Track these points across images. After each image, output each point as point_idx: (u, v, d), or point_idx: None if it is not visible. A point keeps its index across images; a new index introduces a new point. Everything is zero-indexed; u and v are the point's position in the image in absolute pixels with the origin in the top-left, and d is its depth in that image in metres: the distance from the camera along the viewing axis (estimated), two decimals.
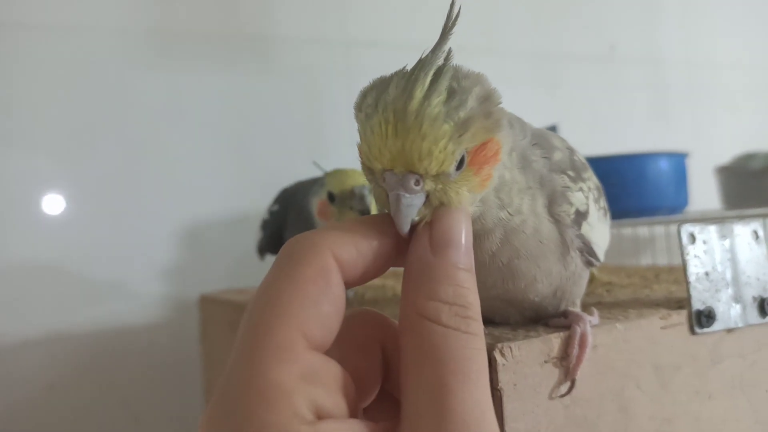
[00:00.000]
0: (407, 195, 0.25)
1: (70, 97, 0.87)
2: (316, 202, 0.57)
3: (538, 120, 1.26)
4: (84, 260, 0.87)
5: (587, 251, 0.36)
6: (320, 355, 0.22)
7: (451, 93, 0.25)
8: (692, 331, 0.40)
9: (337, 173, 0.56)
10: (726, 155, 1.16)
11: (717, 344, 0.41)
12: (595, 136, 1.13)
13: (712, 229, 0.41)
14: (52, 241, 0.86)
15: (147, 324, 0.90)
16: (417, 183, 0.25)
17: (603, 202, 0.39)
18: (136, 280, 0.90)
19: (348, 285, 0.24)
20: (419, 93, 0.25)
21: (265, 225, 0.64)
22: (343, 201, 0.55)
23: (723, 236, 0.42)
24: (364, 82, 1.00)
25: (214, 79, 0.95)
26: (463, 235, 0.24)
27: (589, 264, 0.37)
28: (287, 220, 0.62)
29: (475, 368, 0.22)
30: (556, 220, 0.34)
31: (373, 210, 0.54)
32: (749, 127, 1.33)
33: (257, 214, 0.97)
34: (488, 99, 0.27)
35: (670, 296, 0.46)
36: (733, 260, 0.42)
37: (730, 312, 0.41)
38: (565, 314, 0.37)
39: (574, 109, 1.20)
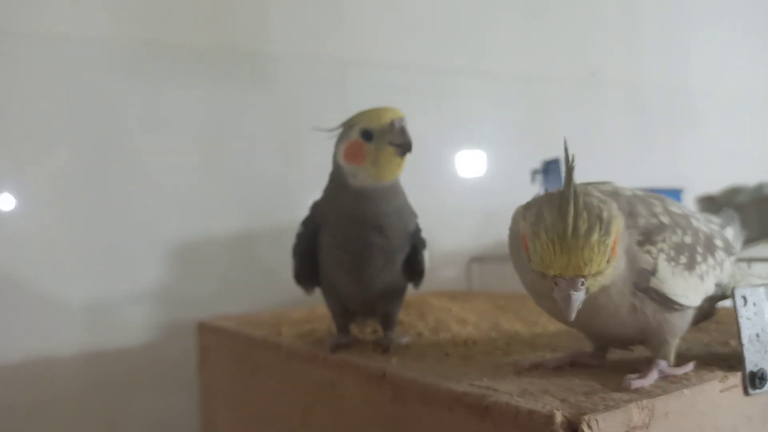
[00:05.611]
0: (575, 293, 0.36)
1: (58, 105, 0.84)
2: (342, 148, 0.54)
3: (522, 140, 1.28)
4: (67, 280, 0.84)
5: (663, 300, 0.40)
6: None
7: (588, 211, 0.35)
8: (746, 393, 0.41)
9: (369, 110, 0.53)
10: (702, 180, 1.20)
11: (767, 404, 0.42)
12: (576, 158, 1.15)
13: (761, 291, 0.43)
14: (31, 259, 0.82)
15: (135, 347, 0.87)
16: (582, 284, 0.36)
17: (687, 256, 0.42)
18: (124, 301, 0.87)
19: None
20: (570, 220, 0.35)
21: (295, 250, 0.59)
22: (382, 136, 0.52)
23: None
24: (357, 99, 1.01)
25: (208, 94, 0.92)
26: None
27: (670, 310, 0.41)
28: (320, 235, 0.56)
29: None
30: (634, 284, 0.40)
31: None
32: (724, 151, 1.38)
33: (248, 233, 0.96)
34: (606, 203, 0.37)
35: (709, 351, 0.47)
36: None
37: None
38: (648, 361, 0.42)
39: (557, 130, 1.23)
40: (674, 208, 0.44)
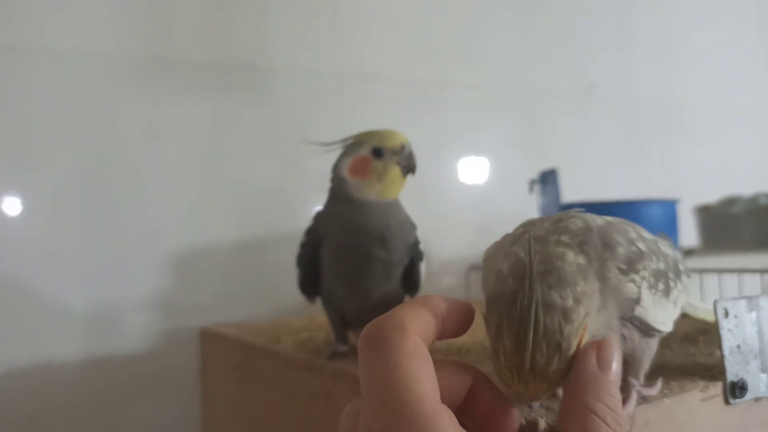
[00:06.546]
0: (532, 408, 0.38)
1: (61, 117, 0.85)
2: (348, 162, 0.57)
3: (519, 150, 1.29)
4: (68, 288, 0.85)
5: (645, 328, 0.40)
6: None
7: (547, 340, 0.33)
8: (726, 402, 0.42)
9: (381, 131, 0.57)
10: (696, 191, 1.22)
11: (746, 413, 0.43)
12: (571, 169, 1.17)
13: (742, 303, 0.44)
14: (34, 266, 0.83)
15: (136, 354, 0.88)
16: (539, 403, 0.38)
17: (663, 283, 0.41)
18: (125, 309, 0.88)
19: None
20: (528, 355, 0.33)
21: (299, 260, 0.61)
22: (391, 156, 0.56)
23: (751, 309, 0.44)
24: (355, 112, 1.03)
25: (208, 107, 0.94)
26: (617, 360, 0.33)
27: (650, 336, 0.41)
28: (321, 247, 0.58)
29: None
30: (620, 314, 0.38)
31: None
32: (718, 163, 1.40)
33: (248, 242, 0.97)
34: (573, 310, 0.34)
35: (693, 361, 0.49)
36: (760, 332, 0.44)
37: (758, 382, 0.43)
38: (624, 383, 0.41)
39: (553, 141, 1.24)
40: (645, 233, 0.43)
